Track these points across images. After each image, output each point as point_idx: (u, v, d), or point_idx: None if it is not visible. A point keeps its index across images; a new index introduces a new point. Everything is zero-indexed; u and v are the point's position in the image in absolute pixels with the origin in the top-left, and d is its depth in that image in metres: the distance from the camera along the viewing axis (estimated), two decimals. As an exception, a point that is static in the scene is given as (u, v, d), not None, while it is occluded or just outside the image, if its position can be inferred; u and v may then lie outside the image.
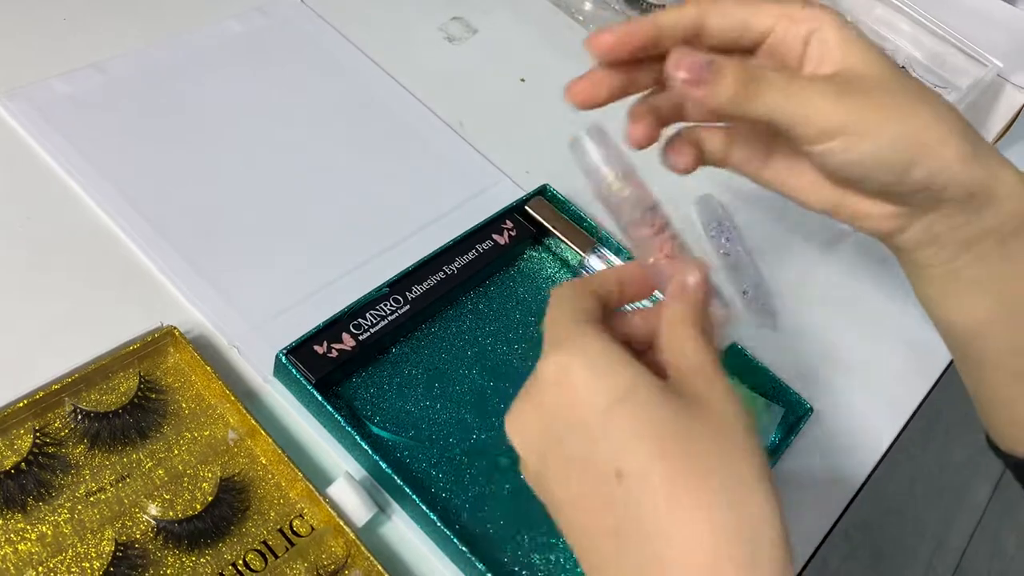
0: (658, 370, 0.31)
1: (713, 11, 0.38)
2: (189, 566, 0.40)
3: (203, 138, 0.58)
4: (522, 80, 0.71)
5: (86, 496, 0.41)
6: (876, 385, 0.59)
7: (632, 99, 0.41)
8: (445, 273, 0.53)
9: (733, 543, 0.27)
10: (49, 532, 0.40)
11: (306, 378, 0.46)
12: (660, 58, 0.37)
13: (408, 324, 0.51)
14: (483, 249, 0.55)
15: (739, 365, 0.55)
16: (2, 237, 0.49)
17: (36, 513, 0.40)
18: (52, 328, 0.47)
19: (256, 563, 0.41)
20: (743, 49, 0.40)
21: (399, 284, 0.51)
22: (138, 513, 0.41)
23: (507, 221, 0.57)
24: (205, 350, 0.48)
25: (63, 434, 0.42)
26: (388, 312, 0.50)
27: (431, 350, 0.51)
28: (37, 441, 0.41)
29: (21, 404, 0.41)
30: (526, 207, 0.58)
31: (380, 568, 0.41)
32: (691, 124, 0.43)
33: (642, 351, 0.33)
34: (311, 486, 0.42)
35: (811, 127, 0.36)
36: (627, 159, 0.36)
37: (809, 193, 0.41)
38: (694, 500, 0.27)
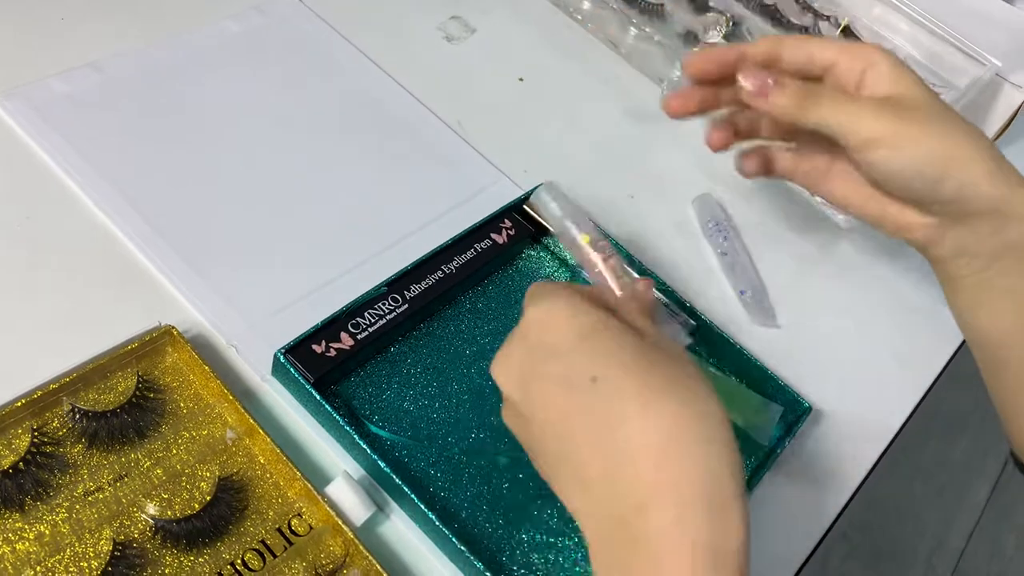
0: None
1: (786, 44, 0.47)
2: (187, 565, 0.40)
3: (202, 137, 0.58)
4: (521, 79, 0.71)
5: (84, 495, 0.41)
6: (875, 384, 0.59)
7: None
8: (444, 272, 0.53)
9: (691, 421, 0.32)
10: (47, 531, 0.40)
11: (304, 377, 0.46)
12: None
13: (407, 323, 0.51)
14: (481, 248, 0.55)
15: (738, 364, 0.55)
16: (0, 237, 0.49)
17: (34, 512, 0.40)
18: (50, 327, 0.47)
19: (254, 562, 0.41)
20: (812, 77, 0.47)
21: (397, 283, 0.51)
22: (136, 512, 0.41)
23: (505, 220, 0.57)
24: (203, 349, 0.48)
25: (61, 433, 0.42)
26: (386, 311, 0.50)
27: (430, 349, 0.51)
28: (35, 440, 0.41)
29: (19, 403, 0.41)
30: (524, 206, 0.58)
31: (379, 567, 0.41)
32: (765, 143, 0.53)
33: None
34: (309, 485, 0.42)
35: (858, 136, 0.44)
36: (577, 206, 0.46)
37: (859, 205, 0.49)
38: (656, 396, 0.33)
